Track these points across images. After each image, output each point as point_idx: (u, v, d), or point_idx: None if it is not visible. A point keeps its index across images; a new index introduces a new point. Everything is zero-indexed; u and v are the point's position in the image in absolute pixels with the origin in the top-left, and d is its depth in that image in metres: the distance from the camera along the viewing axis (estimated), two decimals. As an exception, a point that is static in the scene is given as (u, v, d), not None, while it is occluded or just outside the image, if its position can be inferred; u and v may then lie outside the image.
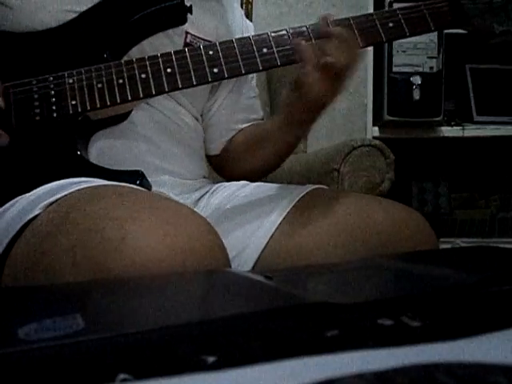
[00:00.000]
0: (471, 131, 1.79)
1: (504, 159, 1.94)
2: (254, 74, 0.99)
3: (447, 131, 1.78)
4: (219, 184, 0.90)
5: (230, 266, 0.60)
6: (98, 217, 0.56)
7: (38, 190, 0.66)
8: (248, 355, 0.29)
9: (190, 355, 0.29)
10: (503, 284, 0.44)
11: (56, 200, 0.63)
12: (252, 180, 0.89)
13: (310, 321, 0.35)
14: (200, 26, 0.87)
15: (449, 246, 1.78)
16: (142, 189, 0.68)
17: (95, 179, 0.68)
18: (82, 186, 0.64)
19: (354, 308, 0.37)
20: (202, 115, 0.95)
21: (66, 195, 0.63)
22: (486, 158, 1.96)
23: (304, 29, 0.76)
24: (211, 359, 0.28)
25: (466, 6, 0.77)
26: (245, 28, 0.96)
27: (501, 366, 0.27)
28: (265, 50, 0.75)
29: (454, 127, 1.80)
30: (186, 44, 0.84)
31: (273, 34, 0.76)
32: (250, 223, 0.77)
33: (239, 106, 0.96)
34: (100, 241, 0.53)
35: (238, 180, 0.90)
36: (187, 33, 0.85)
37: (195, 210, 0.85)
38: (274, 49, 0.75)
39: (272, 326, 0.34)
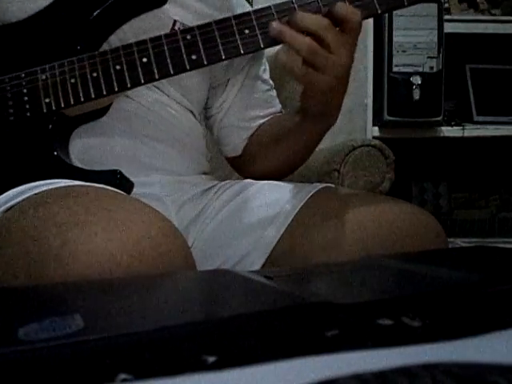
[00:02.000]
0: (471, 131, 1.79)
1: (504, 159, 1.94)
2: (267, 67, 0.93)
3: (447, 131, 1.78)
4: (224, 182, 0.86)
5: (195, 267, 0.58)
6: (43, 223, 0.54)
7: (5, 194, 0.65)
8: (248, 355, 0.29)
9: (190, 355, 0.29)
10: (503, 284, 0.44)
11: (13, 206, 0.62)
12: (276, 178, 0.84)
13: (310, 321, 0.35)
14: (189, 12, 0.82)
15: (449, 246, 1.78)
16: (107, 187, 0.65)
17: (62, 180, 0.66)
18: (40, 190, 0.62)
19: (354, 308, 0.37)
20: (211, 116, 0.91)
21: (21, 200, 0.61)
22: (486, 158, 1.95)
23: (291, 5, 0.70)
24: (211, 359, 0.28)
25: None
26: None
27: (500, 366, 0.27)
28: (247, 32, 0.69)
29: (454, 127, 1.79)
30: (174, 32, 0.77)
31: (256, 14, 0.69)
32: (258, 223, 0.75)
33: (253, 102, 0.90)
34: (40, 249, 0.51)
35: (261, 179, 0.85)
36: (175, 21, 0.80)
37: (198, 203, 0.82)
38: (257, 30, 0.69)
39: (272, 326, 0.34)
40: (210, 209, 0.81)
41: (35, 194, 0.62)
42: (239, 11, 0.75)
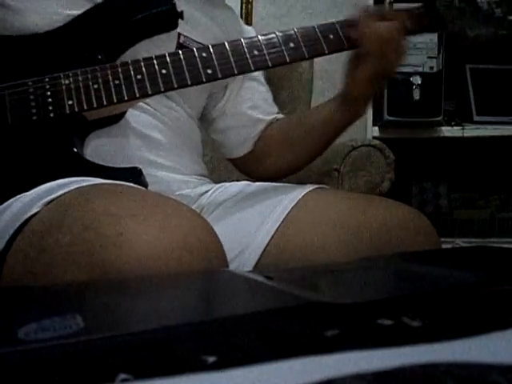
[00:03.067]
0: (471, 131, 1.79)
1: (504, 159, 1.94)
2: (260, 72, 1.00)
3: (447, 131, 1.78)
4: (220, 184, 0.90)
5: (228, 264, 0.60)
6: (96, 214, 0.56)
7: (38, 188, 0.66)
8: (248, 355, 0.29)
9: (190, 355, 0.29)
10: (503, 284, 0.44)
11: (55, 198, 0.63)
12: (286, 177, 0.90)
13: (310, 321, 0.35)
14: (193, 26, 0.87)
15: (449, 246, 1.78)
16: (139, 187, 0.68)
17: (94, 178, 0.68)
18: (80, 185, 0.64)
19: (353, 308, 0.37)
20: (213, 120, 0.97)
21: (64, 193, 0.63)
22: (486, 158, 1.95)
23: (292, 32, 0.79)
24: (211, 359, 0.28)
25: (441, 12, 0.82)
26: (246, 31, 0.97)
27: (501, 366, 0.27)
28: (256, 53, 0.78)
29: (454, 127, 1.79)
30: (179, 44, 0.85)
31: (262, 38, 0.79)
32: (251, 223, 0.77)
33: (255, 102, 0.96)
34: (98, 237, 0.53)
35: (274, 179, 0.90)
36: (180, 34, 0.85)
37: (196, 206, 0.85)
38: (265, 51, 0.78)
39: (272, 325, 0.34)
40: (205, 209, 0.84)
41: (82, 186, 0.64)
42: (245, 35, 0.83)
